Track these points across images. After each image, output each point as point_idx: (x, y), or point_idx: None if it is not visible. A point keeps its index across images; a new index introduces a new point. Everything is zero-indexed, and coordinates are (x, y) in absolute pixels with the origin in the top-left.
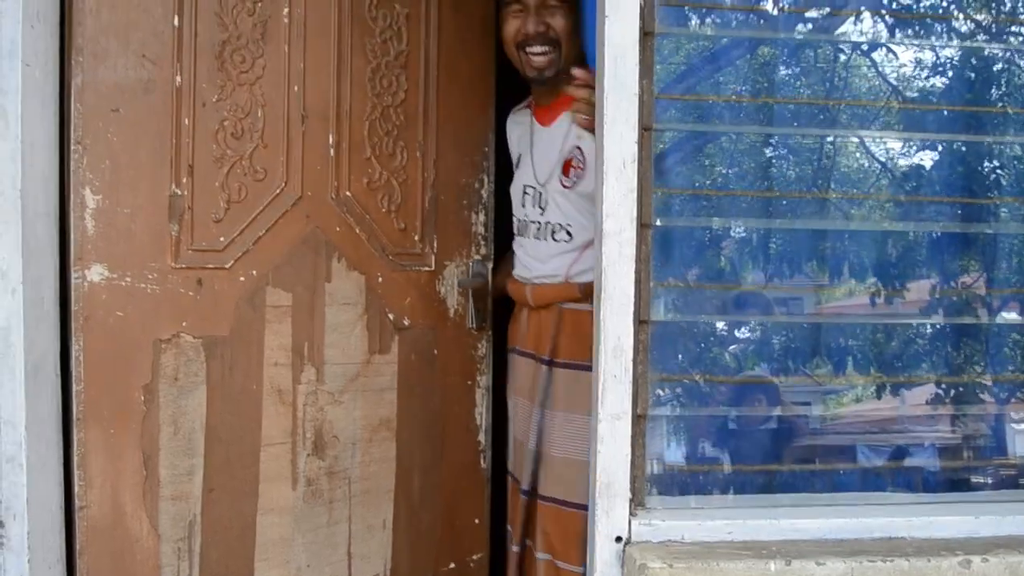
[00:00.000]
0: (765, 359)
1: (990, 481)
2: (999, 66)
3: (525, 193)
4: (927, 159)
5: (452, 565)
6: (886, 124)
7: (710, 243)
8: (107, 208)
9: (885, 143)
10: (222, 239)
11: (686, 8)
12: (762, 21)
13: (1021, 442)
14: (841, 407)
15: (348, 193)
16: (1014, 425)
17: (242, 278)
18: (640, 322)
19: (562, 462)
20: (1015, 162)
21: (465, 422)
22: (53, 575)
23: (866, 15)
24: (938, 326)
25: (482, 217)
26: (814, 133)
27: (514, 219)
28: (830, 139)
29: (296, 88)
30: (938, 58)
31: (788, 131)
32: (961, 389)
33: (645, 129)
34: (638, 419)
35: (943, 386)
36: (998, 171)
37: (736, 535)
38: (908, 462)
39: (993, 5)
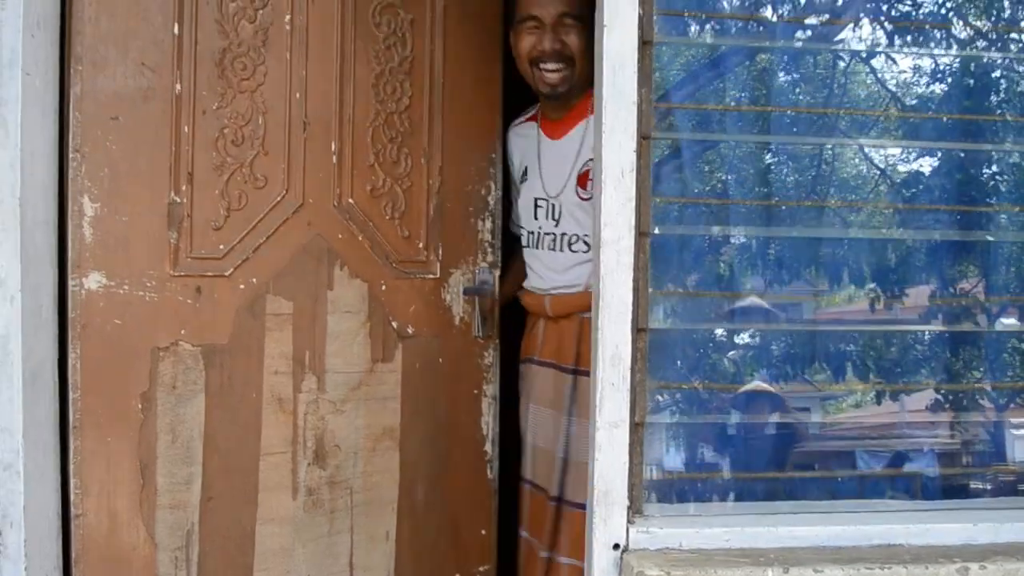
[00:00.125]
0: (764, 366)
1: (989, 487)
2: (997, 73)
3: (537, 206)
4: (926, 166)
5: None
6: (884, 131)
7: (709, 250)
8: (105, 216)
9: (884, 150)
10: (222, 247)
11: (685, 17)
12: (761, 29)
13: (1020, 448)
14: (840, 413)
15: (351, 200)
16: (1013, 431)
17: (242, 286)
18: (638, 330)
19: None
20: (1014, 169)
21: (471, 432)
22: None
23: (865, 23)
24: (936, 332)
25: (489, 224)
26: (813, 141)
27: (523, 232)
28: (829, 146)
29: (298, 95)
30: (937, 65)
31: (787, 139)
32: (960, 395)
33: (644, 138)
34: (636, 427)
35: (942, 392)
36: (996, 178)
37: (734, 542)
38: (907, 468)
39: (992, 13)
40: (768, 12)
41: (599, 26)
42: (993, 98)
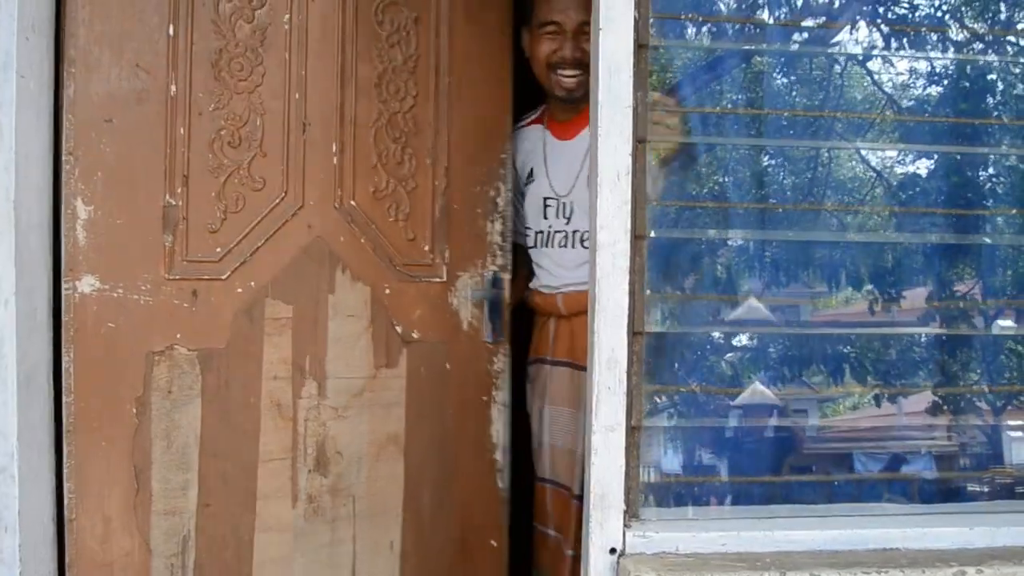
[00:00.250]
0: (761, 369)
1: (986, 490)
2: (993, 76)
3: (547, 205)
4: (922, 168)
5: None
6: (881, 134)
7: (705, 253)
8: (99, 219)
9: (881, 153)
10: (218, 250)
11: (681, 20)
12: (758, 32)
13: (1017, 450)
14: (838, 415)
15: (353, 202)
16: (1010, 433)
17: (239, 289)
18: (634, 333)
19: None
20: (1010, 172)
21: (480, 440)
22: None
23: (861, 25)
24: (933, 335)
25: (498, 226)
26: (809, 144)
27: (529, 232)
28: (825, 149)
29: (297, 96)
30: (933, 68)
31: (784, 142)
32: (957, 398)
33: (639, 141)
34: (632, 431)
35: (939, 395)
36: (993, 180)
37: (730, 547)
38: (904, 471)
39: (987, 16)
40: (765, 15)
41: (594, 29)
42: (989, 101)
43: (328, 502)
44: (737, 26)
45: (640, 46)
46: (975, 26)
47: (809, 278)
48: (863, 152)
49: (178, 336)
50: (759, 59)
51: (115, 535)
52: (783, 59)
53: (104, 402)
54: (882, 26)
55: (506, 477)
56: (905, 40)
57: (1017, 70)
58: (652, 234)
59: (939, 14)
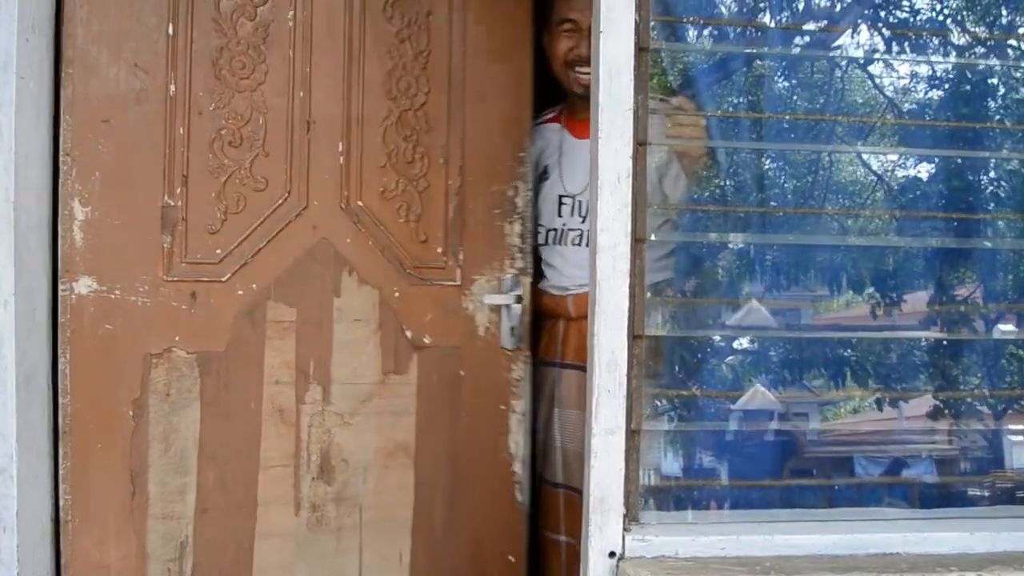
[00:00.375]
0: (761, 372)
1: (987, 494)
2: (994, 80)
3: (561, 203)
4: (923, 171)
5: None
6: (882, 137)
7: (706, 256)
8: (96, 220)
9: (883, 156)
10: (218, 251)
11: (682, 23)
12: (759, 35)
13: (1018, 454)
14: (838, 419)
15: (360, 203)
16: (1011, 437)
17: (240, 292)
18: (635, 336)
19: None
20: (1011, 176)
21: (497, 451)
22: None
23: (863, 29)
24: (934, 339)
25: (517, 227)
26: (810, 148)
27: (541, 229)
28: (826, 154)
29: (302, 94)
30: (934, 72)
31: (785, 146)
32: (958, 402)
33: (640, 144)
34: (632, 434)
35: (940, 399)
36: (994, 184)
37: (730, 551)
38: (905, 475)
39: (989, 20)
40: (766, 18)
41: (595, 32)
42: (991, 105)
43: (333, 511)
44: (738, 29)
45: (641, 49)
46: (976, 30)
47: (811, 281)
48: (864, 156)
49: (176, 338)
50: (760, 62)
51: (111, 538)
52: (785, 62)
53: (100, 404)
54: (883, 30)
55: (525, 490)
56: (907, 44)
57: (1018, 74)
58: (652, 237)
59: (940, 17)
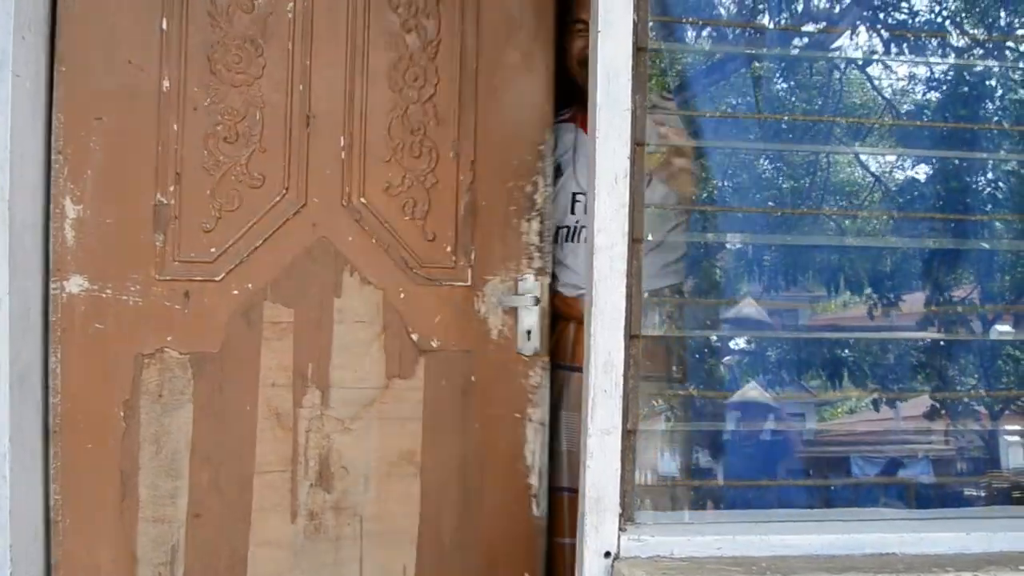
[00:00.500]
0: (759, 372)
1: (983, 494)
2: (992, 82)
3: (575, 201)
4: (920, 172)
5: None
6: (880, 138)
7: (704, 256)
8: (88, 218)
9: (881, 157)
10: (213, 250)
11: (681, 24)
12: (758, 36)
13: (1014, 455)
14: (835, 419)
15: (362, 200)
16: (1007, 438)
17: (235, 291)
18: (631, 337)
19: None
20: (1008, 177)
21: (512, 461)
22: None
23: (861, 30)
24: (931, 340)
25: (536, 225)
26: (809, 149)
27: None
28: (824, 154)
29: (301, 87)
30: (932, 73)
31: (783, 147)
32: (955, 402)
33: (638, 144)
34: (628, 434)
35: (937, 399)
36: (992, 185)
37: (726, 551)
38: (901, 475)
39: (988, 22)
40: (765, 20)
41: (593, 31)
42: (989, 105)
43: (332, 520)
44: (737, 30)
45: (639, 49)
46: (974, 32)
47: (809, 281)
48: (862, 156)
49: (169, 339)
50: (758, 63)
51: (101, 540)
52: (783, 63)
53: (91, 404)
54: (882, 31)
55: (543, 505)
56: (905, 46)
57: (1016, 75)
58: (650, 237)
59: (938, 19)
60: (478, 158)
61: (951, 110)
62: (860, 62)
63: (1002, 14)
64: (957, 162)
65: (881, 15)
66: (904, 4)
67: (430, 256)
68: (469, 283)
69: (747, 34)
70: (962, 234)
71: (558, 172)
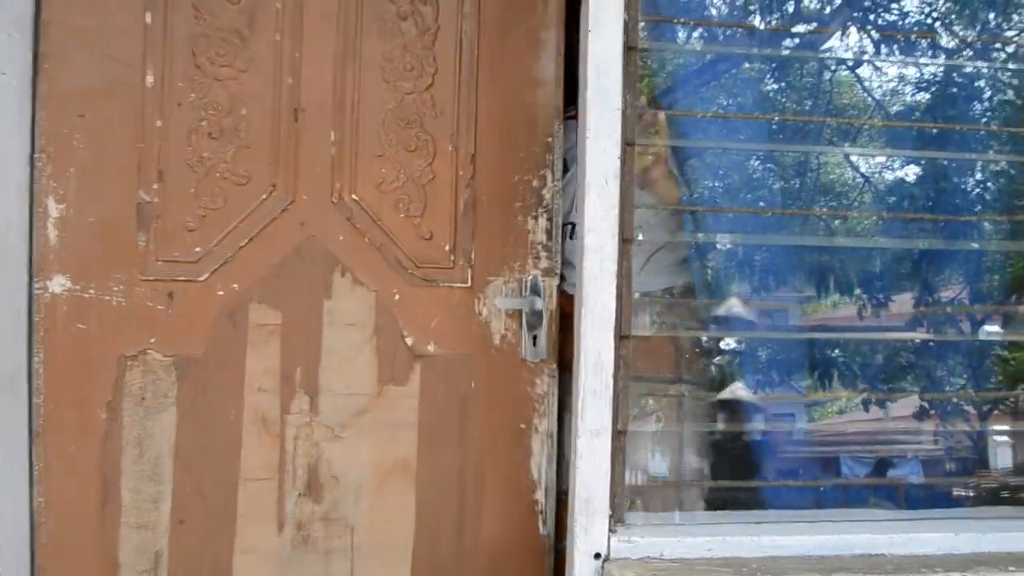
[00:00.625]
0: (748, 372)
1: (971, 494)
2: (981, 83)
3: None
4: (910, 173)
5: None
6: (870, 139)
7: (696, 257)
8: (71, 217)
9: (871, 158)
10: (197, 249)
11: (671, 23)
12: (749, 37)
13: (1003, 455)
14: (825, 418)
15: (354, 197)
16: (996, 438)
17: (220, 292)
18: (621, 337)
19: None
20: (997, 177)
21: (515, 474)
22: None
23: (851, 31)
24: (920, 340)
25: (543, 223)
26: (799, 149)
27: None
28: (814, 154)
29: (290, 80)
30: (922, 74)
31: (774, 147)
32: (944, 402)
33: (628, 144)
34: (618, 435)
35: (926, 400)
36: (980, 186)
37: (716, 552)
38: (891, 475)
39: (977, 23)
40: (756, 20)
41: (583, 30)
42: (977, 106)
43: (321, 531)
44: (728, 30)
45: (630, 48)
46: (964, 33)
47: (800, 281)
48: (852, 157)
49: (152, 340)
50: (750, 63)
51: (84, 544)
52: (774, 63)
53: (73, 406)
54: (872, 32)
55: (550, 522)
56: (895, 47)
57: (1004, 77)
58: (640, 237)
59: (928, 20)
60: (479, 152)
61: (940, 111)
62: (850, 63)
63: (991, 16)
64: (946, 163)
65: (871, 16)
66: (894, 5)
67: (427, 256)
68: (469, 284)
69: (738, 34)
70: (951, 235)
71: (565, 167)
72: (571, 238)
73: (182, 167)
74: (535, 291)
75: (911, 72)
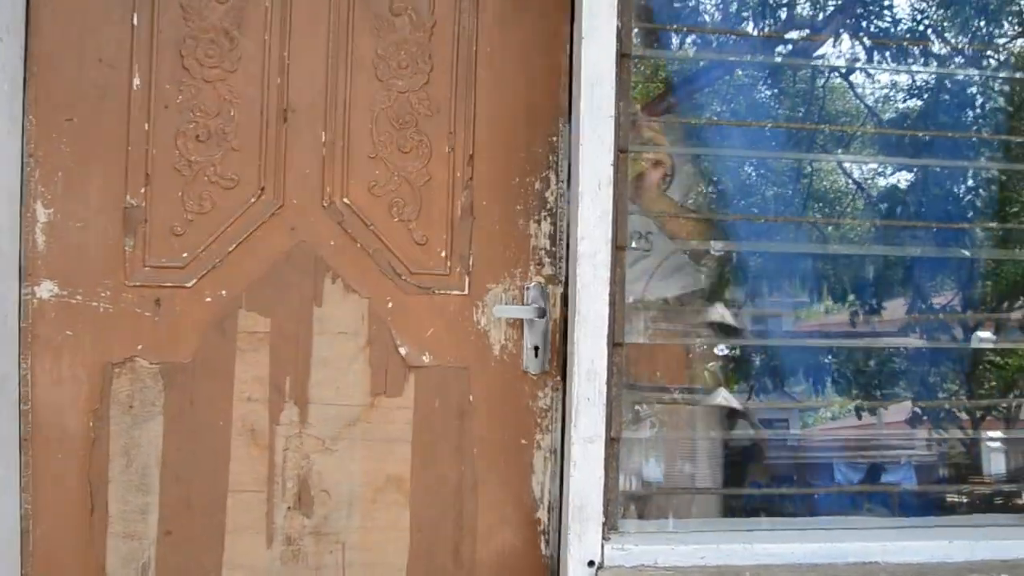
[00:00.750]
0: (741, 379)
1: (965, 501)
2: (973, 90)
3: None
4: (902, 180)
5: None
6: (863, 145)
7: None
8: (58, 222)
9: (863, 164)
10: (184, 255)
11: (665, 31)
12: (742, 43)
13: (996, 461)
14: (819, 424)
15: (346, 200)
16: (989, 444)
17: (208, 299)
18: (615, 344)
19: None
20: (988, 184)
21: (517, 493)
22: None
23: (844, 38)
24: (913, 347)
25: (546, 227)
26: (793, 156)
27: None
28: (807, 161)
29: (279, 80)
30: (914, 81)
31: (767, 154)
32: (937, 409)
33: (621, 151)
34: (611, 442)
35: (919, 406)
36: (972, 193)
37: (709, 560)
38: (884, 481)
39: (968, 31)
40: (749, 27)
41: (577, 38)
42: (969, 113)
43: (311, 546)
44: (722, 37)
45: (623, 56)
46: (955, 41)
47: (793, 288)
48: (845, 164)
49: (139, 347)
50: (743, 70)
51: (71, 553)
52: (767, 70)
53: (61, 413)
54: (864, 39)
55: (553, 541)
56: (887, 54)
57: (996, 84)
58: (633, 244)
59: (920, 27)
60: (478, 152)
61: (932, 118)
62: (843, 70)
63: (982, 24)
64: (938, 169)
65: (864, 23)
66: (887, 13)
67: (421, 262)
68: (466, 292)
69: (732, 41)
70: (943, 241)
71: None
72: None
73: (169, 170)
74: (537, 299)
75: (903, 79)
